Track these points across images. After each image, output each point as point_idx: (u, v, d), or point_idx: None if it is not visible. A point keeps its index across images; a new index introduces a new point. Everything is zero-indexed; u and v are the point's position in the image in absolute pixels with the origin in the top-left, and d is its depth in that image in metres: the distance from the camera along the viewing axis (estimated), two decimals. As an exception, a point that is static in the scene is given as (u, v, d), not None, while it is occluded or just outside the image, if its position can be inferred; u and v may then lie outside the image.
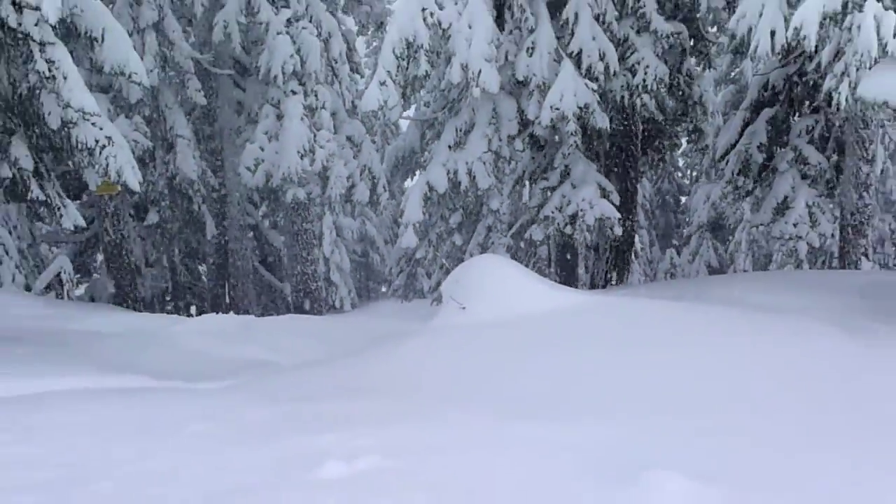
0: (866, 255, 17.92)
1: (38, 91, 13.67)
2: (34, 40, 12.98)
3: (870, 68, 5.57)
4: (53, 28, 13.03)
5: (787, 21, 9.36)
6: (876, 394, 7.71)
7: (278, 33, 21.62)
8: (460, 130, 15.55)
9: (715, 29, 15.81)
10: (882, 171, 23.31)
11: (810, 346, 8.81)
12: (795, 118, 16.27)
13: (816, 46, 5.92)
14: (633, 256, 16.62)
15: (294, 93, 22.05)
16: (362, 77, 27.39)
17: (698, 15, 14.94)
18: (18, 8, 12.52)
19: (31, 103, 14.02)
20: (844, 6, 5.39)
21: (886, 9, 5.53)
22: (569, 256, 17.91)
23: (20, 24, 12.64)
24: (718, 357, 8.65)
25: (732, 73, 16.12)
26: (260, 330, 15.52)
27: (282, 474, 6.51)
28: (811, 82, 15.07)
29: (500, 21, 14.51)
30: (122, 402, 9.00)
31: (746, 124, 16.58)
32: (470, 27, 13.88)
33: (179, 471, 6.49)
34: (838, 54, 6.92)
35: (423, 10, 13.88)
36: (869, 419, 7.36)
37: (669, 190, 30.34)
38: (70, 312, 17.66)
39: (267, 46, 21.80)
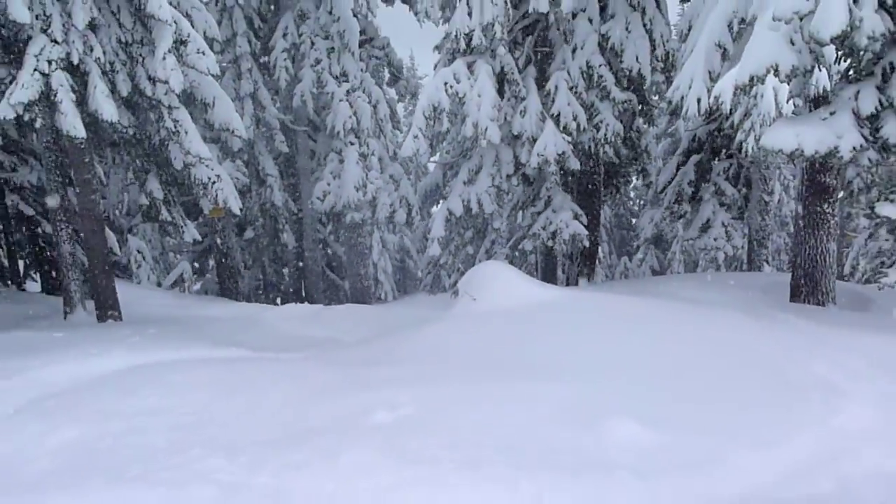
0: (767, 262, 22.75)
1: (166, 142, 15.85)
2: (164, 105, 14.87)
3: (769, 125, 6.16)
4: (178, 96, 15.18)
5: (709, 91, 11.12)
6: (769, 358, 9.57)
7: (340, 100, 24.40)
8: (472, 171, 17.66)
9: (657, 97, 18.30)
10: (778, 200, 27.18)
11: (726, 327, 10.57)
12: (715, 162, 19.07)
13: (731, 109, 6.54)
14: (597, 262, 19.03)
15: (351, 143, 25.01)
16: (401, 132, 30.16)
17: (645, 87, 17.15)
18: (153, 81, 14.64)
19: (161, 151, 16.34)
20: (751, 80, 5.95)
21: (781, 82, 6.17)
22: (555, 261, 19.70)
23: (154, 94, 14.75)
24: (659, 335, 10.11)
25: (669, 129, 18.69)
26: (327, 316, 17.13)
27: (343, 420, 8.06)
28: (727, 135, 17.69)
29: (500, 92, 16.48)
30: (230, 367, 10.43)
31: (679, 166, 19.30)
32: (479, 96, 15.90)
33: (272, 416, 8.31)
34: (746, 115, 7.63)
35: (445, 83, 15.98)
36: (764, 377, 9.00)
37: (623, 213, 34.02)
38: (189, 303, 20.06)
39: (332, 110, 24.59)
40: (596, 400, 8.43)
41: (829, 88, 6.36)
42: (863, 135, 5.88)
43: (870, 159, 6.06)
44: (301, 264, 29.04)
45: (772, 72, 5.88)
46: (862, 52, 5.78)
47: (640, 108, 17.59)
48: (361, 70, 24.78)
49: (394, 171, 26.48)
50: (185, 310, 18.53)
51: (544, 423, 8.01)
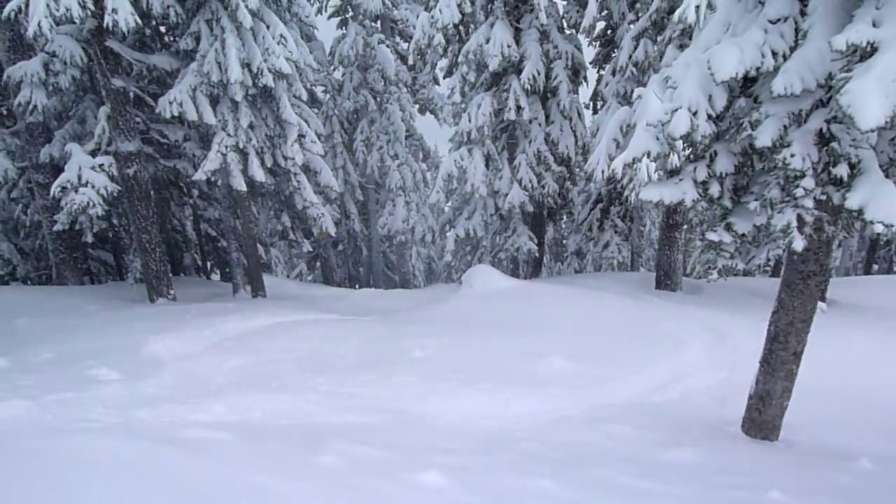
0: (642, 266, 23.62)
1: (293, 194, 15.87)
2: (292, 172, 14.86)
3: (644, 186, 6.14)
4: (300, 167, 15.30)
5: (608, 166, 11.24)
6: (640, 320, 9.93)
7: (393, 170, 24.34)
8: (470, 211, 17.55)
9: (578, 169, 18.23)
10: (649, 229, 27.25)
11: (614, 303, 10.90)
12: (613, 207, 18.74)
13: (622, 176, 6.53)
14: (542, 266, 18.81)
15: (400, 195, 24.90)
16: (429, 188, 30.32)
17: (571, 163, 17.03)
18: (285, 159, 14.67)
19: (290, 199, 16.41)
20: (633, 160, 5.93)
21: (651, 161, 6.17)
22: (518, 265, 19.42)
23: (286, 165, 14.78)
24: (576, 307, 10.72)
25: (586, 187, 18.59)
26: (386, 295, 17.39)
27: (393, 355, 8.37)
28: (619, 192, 17.43)
29: (487, 165, 16.35)
30: (329, 324, 10.73)
31: (591, 209, 18.97)
32: (475, 168, 15.83)
33: (352, 352, 8.75)
34: (630, 180, 7.66)
35: (455, 161, 15.90)
36: (637, 331, 9.30)
37: (558, 237, 33.81)
38: (305, 287, 20.04)
39: (389, 175, 24.41)
40: (540, 346, 8.49)
41: (678, 165, 6.32)
42: (698, 192, 5.85)
43: (702, 206, 6.02)
44: (370, 265, 29.02)
45: (645, 156, 5.87)
46: (698, 145, 5.76)
47: (568, 175, 17.59)
48: (406, 152, 24.85)
49: (425, 212, 26.48)
50: (303, 290, 18.61)
51: (510, 359, 8.06)
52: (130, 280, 16.96)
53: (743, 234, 5.99)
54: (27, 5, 11.25)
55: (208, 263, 22.11)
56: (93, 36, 12.88)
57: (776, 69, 5.27)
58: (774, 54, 5.29)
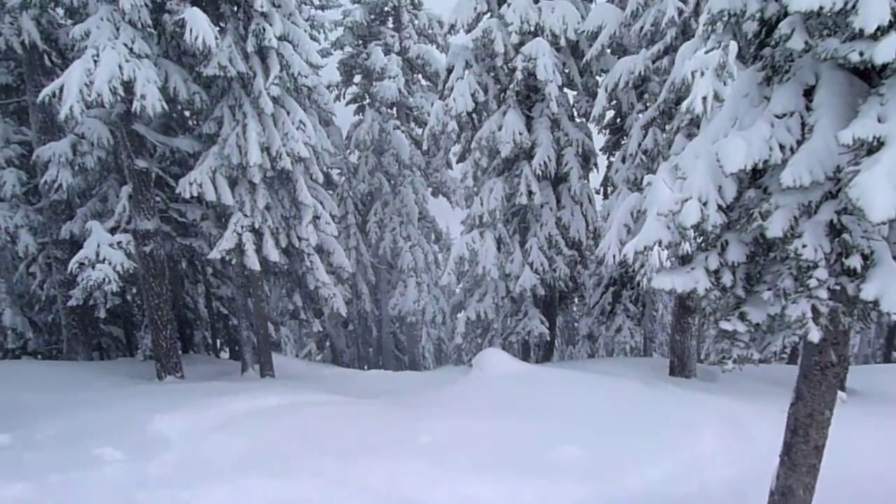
0: (655, 351, 22.39)
1: (305, 274, 15.82)
2: (305, 253, 15.04)
3: (657, 273, 6.13)
4: (313, 248, 15.37)
5: (619, 251, 11.25)
6: (655, 407, 9.54)
7: (405, 251, 24.49)
8: (481, 294, 17.48)
9: (589, 253, 17.82)
10: (661, 314, 26.59)
11: (627, 389, 10.59)
12: (624, 291, 18.22)
13: (634, 262, 6.55)
14: (553, 349, 18.50)
15: (411, 276, 24.70)
16: (441, 270, 30.33)
17: (582, 247, 17.14)
18: (300, 239, 14.85)
19: (302, 278, 16.30)
20: (644, 249, 5.98)
21: (663, 249, 6.21)
22: (529, 348, 19.10)
23: (300, 246, 14.95)
24: (588, 392, 10.40)
25: (597, 271, 18.32)
26: (395, 377, 16.82)
27: (402, 440, 8.03)
28: (631, 276, 16.86)
29: (498, 248, 16.35)
30: (336, 406, 10.57)
31: (603, 293, 18.43)
32: (486, 251, 15.86)
33: (360, 435, 8.53)
34: (642, 266, 7.66)
35: (467, 244, 15.97)
36: (652, 418, 8.95)
37: (569, 320, 33.21)
38: (314, 367, 19.86)
39: (401, 257, 24.51)
40: (552, 432, 8.26)
41: (690, 251, 6.34)
42: (710, 281, 5.84)
43: (714, 295, 5.99)
44: (380, 345, 28.70)
45: (657, 244, 5.90)
46: (709, 234, 5.80)
47: (580, 259, 17.61)
48: (418, 234, 25.12)
49: (436, 293, 26.40)
50: (312, 371, 18.38)
51: (521, 445, 7.84)
52: (140, 356, 16.90)
53: (757, 324, 5.93)
54: (61, 90, 11.76)
55: (218, 341, 22.05)
56: (120, 119, 13.39)
57: (784, 162, 5.36)
58: (782, 147, 5.40)
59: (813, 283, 5.38)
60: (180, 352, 15.16)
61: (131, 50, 12.15)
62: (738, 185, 5.71)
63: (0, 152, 16.10)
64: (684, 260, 6.44)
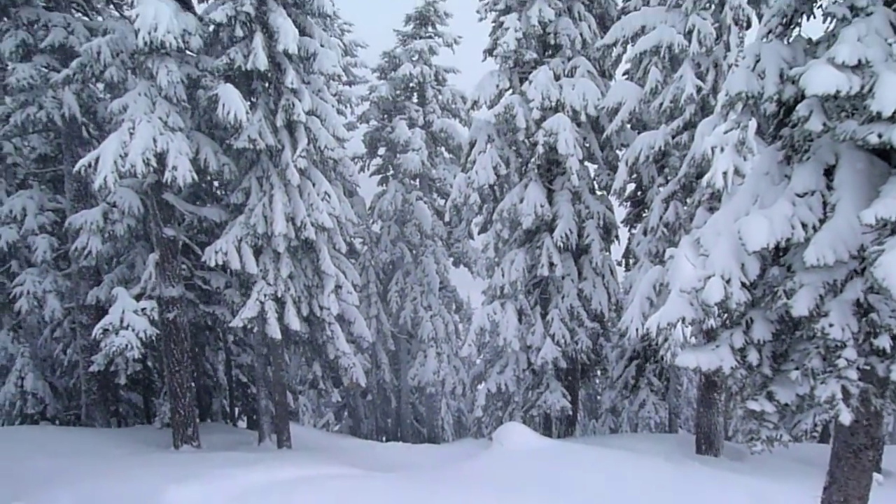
0: (681, 427, 21.38)
1: (326, 343, 15.71)
2: (326, 322, 15.11)
3: (681, 350, 6.10)
4: (334, 317, 15.33)
5: (642, 324, 11.00)
6: (681, 487, 9.29)
7: (426, 321, 23.98)
8: (502, 365, 17.09)
9: (611, 324, 17.46)
10: (686, 388, 25.68)
11: (653, 468, 10.34)
12: (648, 364, 17.82)
13: (657, 336, 6.51)
14: (576, 423, 17.99)
15: (431, 347, 24.03)
16: (461, 340, 29.84)
17: (605, 319, 16.91)
18: (321, 308, 14.91)
19: (322, 347, 16.10)
20: (668, 325, 5.97)
21: (686, 326, 6.16)
22: (551, 422, 18.62)
23: (321, 315, 14.95)
24: (612, 471, 10.10)
25: (620, 343, 17.90)
26: (414, 450, 16.77)
27: None
28: (654, 350, 16.30)
29: (520, 320, 16.15)
30: (356, 480, 10.50)
31: (626, 366, 17.98)
32: (507, 323, 15.68)
33: None
34: (665, 340, 7.55)
35: (487, 314, 15.86)
36: (678, 497, 8.73)
37: (592, 393, 32.29)
38: (332, 438, 19.58)
39: (422, 326, 24.01)
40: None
41: (715, 328, 6.28)
42: (736, 359, 5.76)
43: (741, 374, 5.89)
44: (399, 416, 28.20)
45: (680, 321, 5.86)
46: (733, 312, 5.75)
47: (602, 331, 17.42)
48: (439, 303, 25.09)
49: (456, 364, 26.04)
50: (329, 442, 18.12)
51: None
52: (157, 424, 16.82)
53: (786, 404, 5.80)
54: (97, 161, 12.22)
55: (236, 410, 21.91)
56: (152, 189, 13.81)
57: (807, 240, 5.37)
58: (804, 226, 5.42)
59: (842, 363, 5.29)
60: (198, 420, 15.06)
61: (165, 123, 12.66)
62: (761, 263, 5.71)
63: (34, 219, 16.58)
64: (709, 335, 6.37)
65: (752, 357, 5.84)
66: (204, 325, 17.85)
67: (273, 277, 14.05)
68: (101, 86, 16.40)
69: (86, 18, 16.69)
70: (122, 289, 13.97)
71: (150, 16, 12.18)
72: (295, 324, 14.09)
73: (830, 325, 5.29)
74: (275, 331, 13.92)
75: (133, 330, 13.15)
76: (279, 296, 14.10)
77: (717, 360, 5.82)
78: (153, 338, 13.53)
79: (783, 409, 5.87)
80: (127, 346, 13.03)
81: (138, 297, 13.94)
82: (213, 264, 13.65)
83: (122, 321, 13.20)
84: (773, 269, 5.78)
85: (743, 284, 5.62)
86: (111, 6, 17.42)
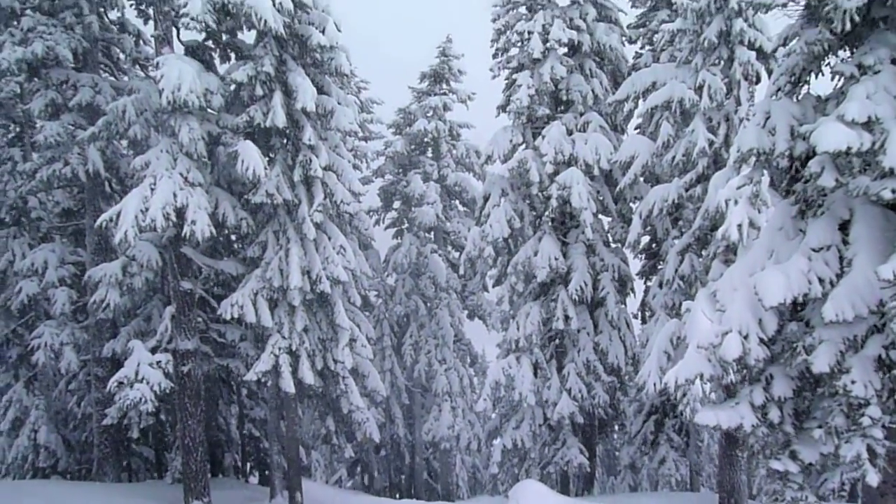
0: (703, 485, 20.79)
1: (339, 397, 15.55)
2: (340, 376, 15.00)
3: (700, 406, 6.01)
4: (348, 371, 15.16)
5: (660, 379, 10.70)
6: None
7: (440, 374, 23.47)
8: (518, 420, 16.76)
9: (628, 378, 17.23)
10: (707, 444, 24.55)
11: None
12: (667, 419, 17.35)
13: (676, 391, 6.40)
14: (594, 480, 17.60)
15: (446, 401, 23.42)
16: (476, 394, 29.03)
17: (622, 373, 16.76)
18: (335, 362, 14.84)
19: (336, 402, 15.91)
20: (686, 381, 5.89)
21: (705, 383, 6.04)
22: (568, 478, 18.04)
23: (335, 368, 14.80)
24: None
25: (637, 397, 17.43)
26: None
27: None
28: (673, 405, 15.80)
29: (535, 374, 15.96)
30: None
31: (644, 422, 17.60)
32: (523, 377, 15.51)
33: None
34: (685, 395, 7.41)
35: (503, 369, 15.75)
36: None
37: (610, 448, 31.31)
38: (344, 495, 18.91)
39: (436, 380, 23.54)
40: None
41: (734, 383, 6.19)
42: (757, 417, 5.65)
43: (762, 432, 5.77)
44: (413, 472, 27.52)
45: (698, 377, 5.79)
46: (752, 368, 5.68)
47: (619, 385, 17.19)
48: (454, 357, 24.85)
49: (471, 418, 25.49)
50: (341, 498, 17.79)
51: None
52: (169, 479, 16.63)
53: (810, 463, 5.66)
54: (118, 216, 12.47)
55: (248, 464, 21.62)
56: (170, 242, 14.02)
57: (825, 295, 5.33)
58: (821, 281, 5.39)
59: (866, 421, 5.18)
60: (209, 475, 14.88)
61: (186, 179, 12.93)
62: (778, 319, 5.65)
63: (55, 272, 16.80)
64: (728, 391, 6.28)
65: (774, 415, 5.73)
66: (218, 378, 17.80)
67: (288, 331, 14.06)
68: (124, 142, 16.86)
69: (112, 79, 17.28)
70: (138, 341, 14.03)
71: (175, 76, 12.60)
72: (309, 377, 14.02)
73: (853, 382, 5.20)
74: (289, 384, 13.85)
75: (148, 383, 13.15)
76: (293, 349, 14.08)
77: (737, 418, 5.71)
78: (167, 391, 13.51)
79: (807, 469, 5.72)
80: (141, 399, 13.01)
81: (154, 350, 13.98)
82: (228, 317, 13.70)
83: (137, 374, 13.21)
84: (791, 325, 5.72)
85: (761, 340, 5.56)
86: (137, 66, 18.04)
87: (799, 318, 5.77)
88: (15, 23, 15.79)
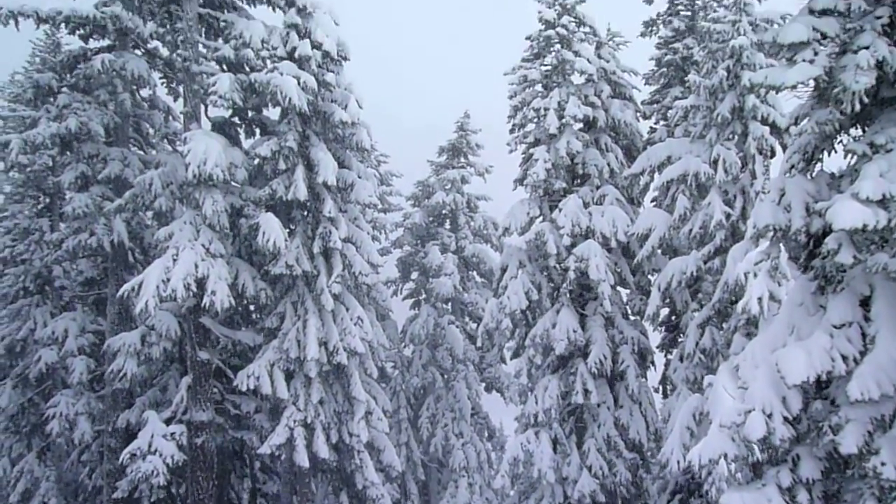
0: None
1: (354, 472, 15.36)
2: (356, 450, 14.93)
3: (726, 484, 5.86)
4: (364, 445, 14.97)
5: (684, 457, 10.26)
6: None
7: (457, 449, 22.71)
8: (537, 499, 15.97)
9: (650, 455, 16.46)
10: None
11: None
12: (692, 499, 15.56)
13: (700, 471, 6.24)
14: None
15: (463, 476, 22.65)
16: (493, 470, 28.13)
17: (644, 449, 16.00)
18: (350, 435, 14.77)
19: (350, 477, 15.60)
20: (710, 461, 5.74)
21: (730, 463, 5.86)
22: None
23: (350, 442, 14.86)
24: None
25: (661, 474, 16.62)
26: None
27: None
28: (698, 483, 14.83)
29: (554, 449, 15.41)
30: None
31: (669, 501, 15.88)
32: (542, 452, 15.03)
33: None
34: (710, 474, 7.16)
35: (521, 444, 15.17)
36: None
37: None
38: None
39: (453, 455, 22.66)
40: None
41: (760, 461, 6.03)
42: (784, 500, 5.50)
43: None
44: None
45: (723, 457, 5.66)
46: (777, 448, 5.55)
47: (641, 462, 16.58)
48: (471, 430, 24.38)
49: (489, 495, 24.75)
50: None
51: None
52: (177, 556, 16.21)
53: (843, 550, 5.43)
54: (140, 286, 12.69)
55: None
56: (190, 312, 14.18)
57: (849, 373, 5.25)
58: (844, 358, 5.32)
59: (898, 506, 5.00)
60: (219, 553, 14.51)
61: (208, 250, 13.22)
62: (803, 397, 5.55)
63: (75, 341, 16.98)
64: (755, 470, 6.10)
65: (802, 497, 5.55)
66: (231, 450, 17.57)
67: (303, 403, 13.97)
68: (149, 213, 17.31)
69: (141, 152, 17.91)
70: (153, 412, 14.00)
71: (201, 151, 13.06)
72: (324, 451, 13.82)
73: (882, 464, 5.06)
74: (303, 458, 13.65)
75: (160, 455, 13.04)
76: (309, 422, 13.95)
77: (763, 501, 5.53)
78: (180, 463, 13.36)
79: (841, 556, 5.49)
80: (153, 472, 12.88)
81: (168, 421, 13.93)
82: (244, 388, 13.69)
83: (150, 446, 13.13)
84: (816, 403, 5.61)
85: (786, 419, 5.45)
86: (165, 141, 18.72)
87: (824, 397, 5.67)
88: (51, 99, 16.58)
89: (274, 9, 15.92)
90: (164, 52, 16.37)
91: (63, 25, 15.06)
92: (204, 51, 14.85)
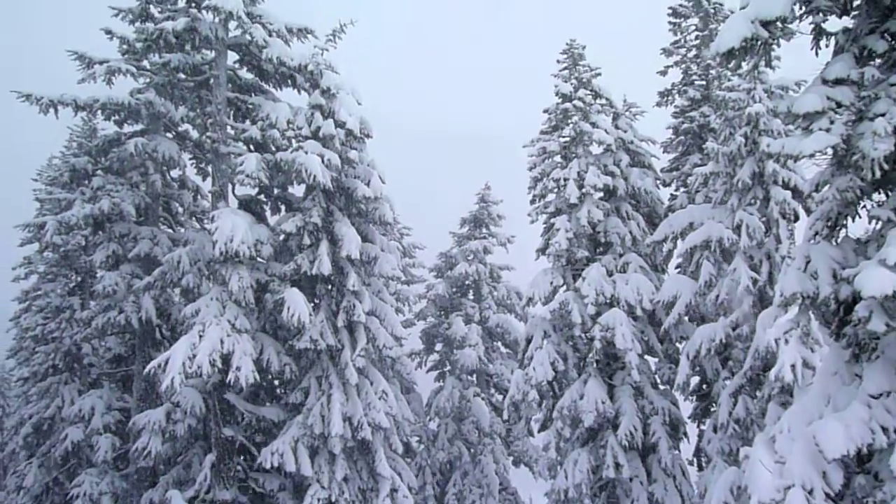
0: None
1: None
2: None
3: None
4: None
5: None
6: None
7: None
8: None
9: None
10: None
11: None
12: None
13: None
14: None
15: None
16: None
17: None
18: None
19: None
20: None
21: None
22: None
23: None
24: None
25: None
26: None
27: None
28: None
29: None
30: None
31: None
32: None
33: None
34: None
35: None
36: None
37: None
38: None
39: None
40: None
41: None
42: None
43: None
44: None
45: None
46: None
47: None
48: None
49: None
50: None
51: None
52: None
53: None
54: (166, 363, 12.75)
55: None
56: (215, 388, 14.17)
57: (890, 445, 5.04)
58: (885, 430, 5.12)
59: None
60: None
61: (233, 325, 13.31)
62: (844, 471, 5.32)
63: (101, 418, 16.99)
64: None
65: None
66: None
67: (327, 480, 13.70)
68: (177, 290, 17.55)
69: (170, 231, 18.36)
70: (176, 492, 13.81)
71: (228, 228, 13.36)
72: (349, 530, 13.46)
73: (936, 546, 4.78)
74: (330, 540, 13.29)
75: (182, 541, 12.78)
76: (333, 500, 13.64)
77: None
78: (202, 548, 13.07)
79: None
80: (174, 560, 12.59)
81: (192, 500, 13.71)
82: (268, 466, 13.48)
83: (172, 531, 12.88)
84: (858, 478, 5.37)
85: (827, 496, 5.21)
86: (193, 219, 19.19)
87: (866, 471, 5.43)
88: (87, 182, 17.19)
89: (299, 91, 16.57)
90: (194, 134, 17.03)
91: (100, 112, 15.75)
92: (232, 132, 15.42)
